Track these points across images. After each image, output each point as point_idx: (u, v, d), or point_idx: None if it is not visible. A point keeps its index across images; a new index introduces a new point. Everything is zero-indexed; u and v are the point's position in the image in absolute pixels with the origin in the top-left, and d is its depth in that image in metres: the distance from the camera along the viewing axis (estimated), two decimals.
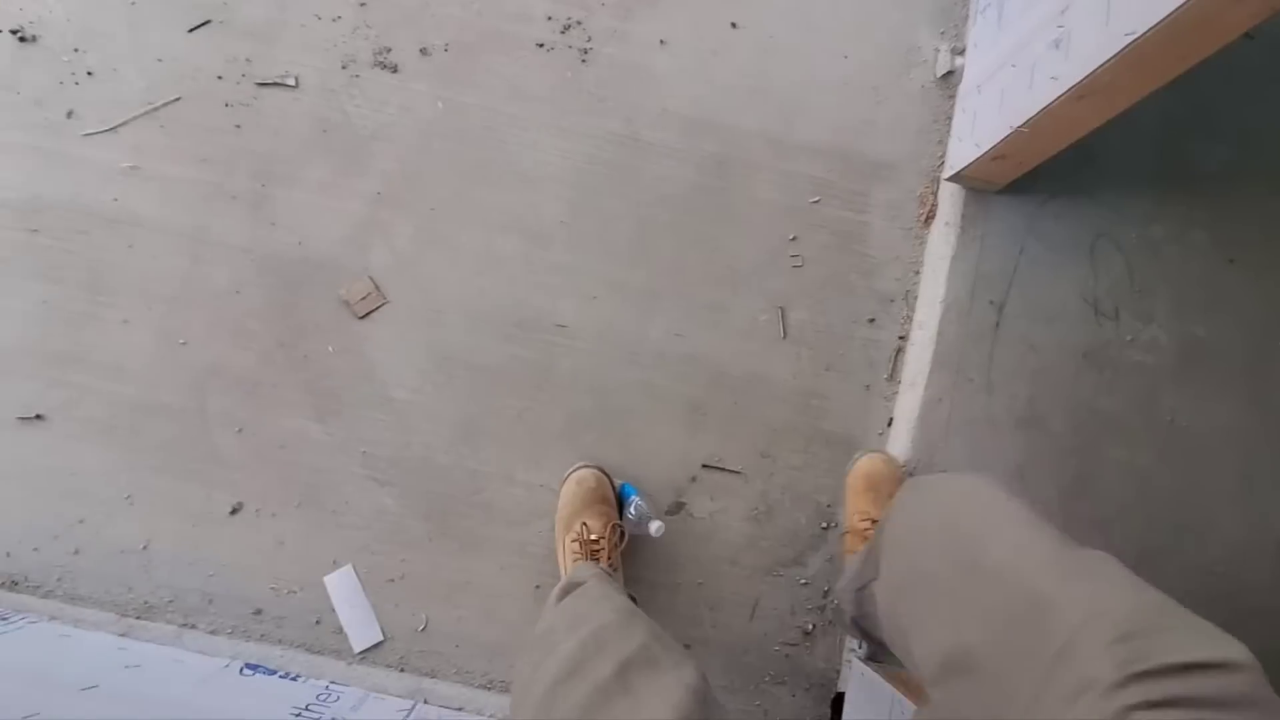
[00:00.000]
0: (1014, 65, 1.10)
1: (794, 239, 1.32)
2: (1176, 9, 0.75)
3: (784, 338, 1.30)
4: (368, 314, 1.27)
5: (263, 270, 1.26)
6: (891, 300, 1.32)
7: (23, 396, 1.24)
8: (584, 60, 1.33)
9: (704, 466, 1.27)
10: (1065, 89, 0.93)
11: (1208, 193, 1.30)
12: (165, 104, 1.27)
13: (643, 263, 1.30)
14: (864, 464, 1.21)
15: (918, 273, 1.33)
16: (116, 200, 1.25)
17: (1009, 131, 1.06)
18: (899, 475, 1.20)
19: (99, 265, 1.25)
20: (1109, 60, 0.85)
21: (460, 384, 1.27)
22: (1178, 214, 1.29)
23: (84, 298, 1.24)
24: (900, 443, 1.26)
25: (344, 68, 1.29)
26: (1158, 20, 0.77)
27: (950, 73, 1.35)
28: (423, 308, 1.27)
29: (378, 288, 1.27)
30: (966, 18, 1.37)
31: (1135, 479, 1.23)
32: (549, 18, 1.33)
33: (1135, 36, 0.81)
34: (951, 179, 1.26)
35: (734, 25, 1.36)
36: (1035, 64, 1.03)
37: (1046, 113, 0.99)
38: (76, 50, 1.27)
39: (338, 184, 1.28)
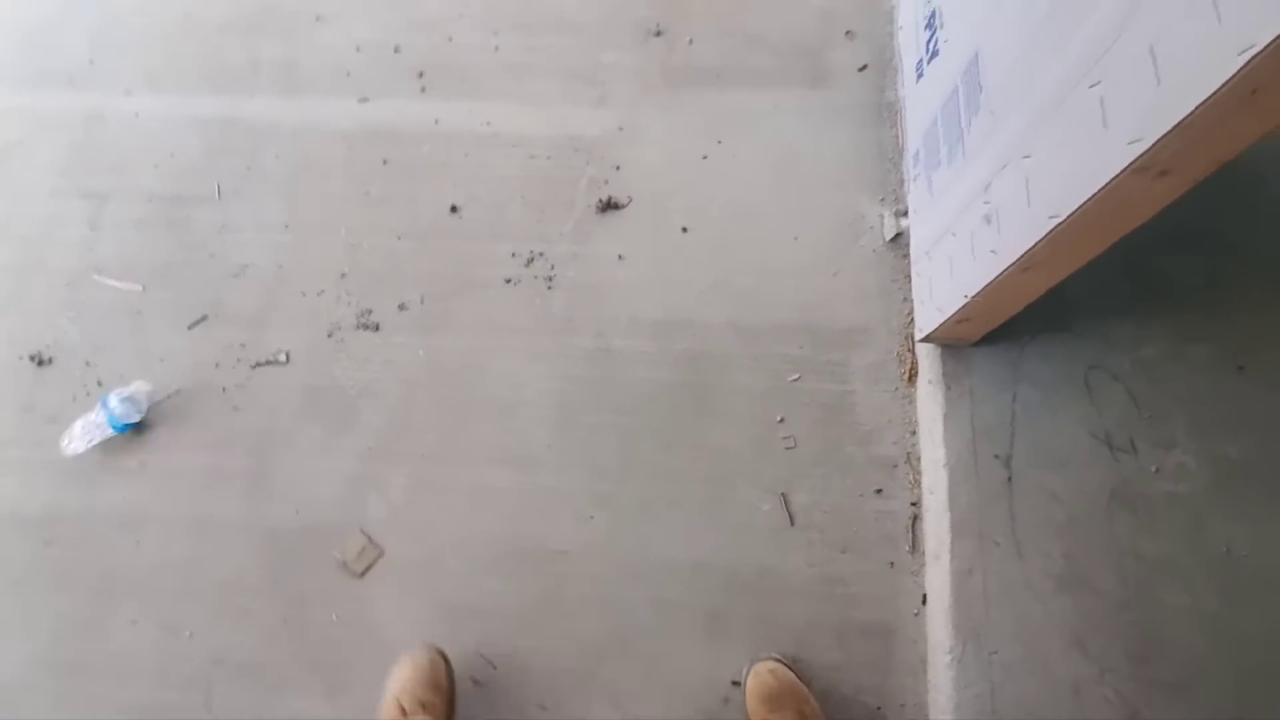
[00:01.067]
0: (954, 234, 1.13)
1: (781, 420, 1.30)
2: (1091, 197, 0.77)
3: (792, 525, 1.25)
4: (366, 570, 1.25)
5: (262, 546, 1.27)
6: (894, 465, 1.28)
7: (35, 713, 1.22)
8: (550, 287, 1.40)
9: (734, 684, 1.18)
10: (1006, 264, 0.95)
11: (1196, 305, 1.28)
12: (168, 396, 1.35)
13: (633, 473, 1.29)
14: (753, 683, 1.10)
15: (914, 433, 1.29)
16: (125, 499, 1.30)
17: (964, 300, 1.07)
18: (794, 684, 1.09)
19: (108, 568, 1.27)
20: (1039, 240, 0.87)
21: (467, 632, 1.22)
22: (1168, 331, 1.26)
23: (93, 603, 1.26)
24: (939, 624, 1.16)
25: (330, 335, 1.38)
26: (1077, 205, 0.79)
27: (898, 234, 1.40)
28: (420, 555, 1.26)
29: (371, 540, 1.26)
30: (902, 182, 1.44)
31: (1205, 627, 1.10)
32: (513, 254, 1.43)
33: (1059, 219, 0.82)
34: (925, 340, 1.26)
35: (684, 229, 1.44)
36: (973, 235, 1.05)
37: (995, 284, 1.00)
38: (88, 364, 1.38)
39: (330, 445, 1.32)
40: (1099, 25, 0.73)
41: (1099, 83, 0.73)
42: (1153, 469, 1.19)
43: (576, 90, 1.55)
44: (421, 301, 1.39)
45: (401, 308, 1.39)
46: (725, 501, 1.26)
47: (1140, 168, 0.68)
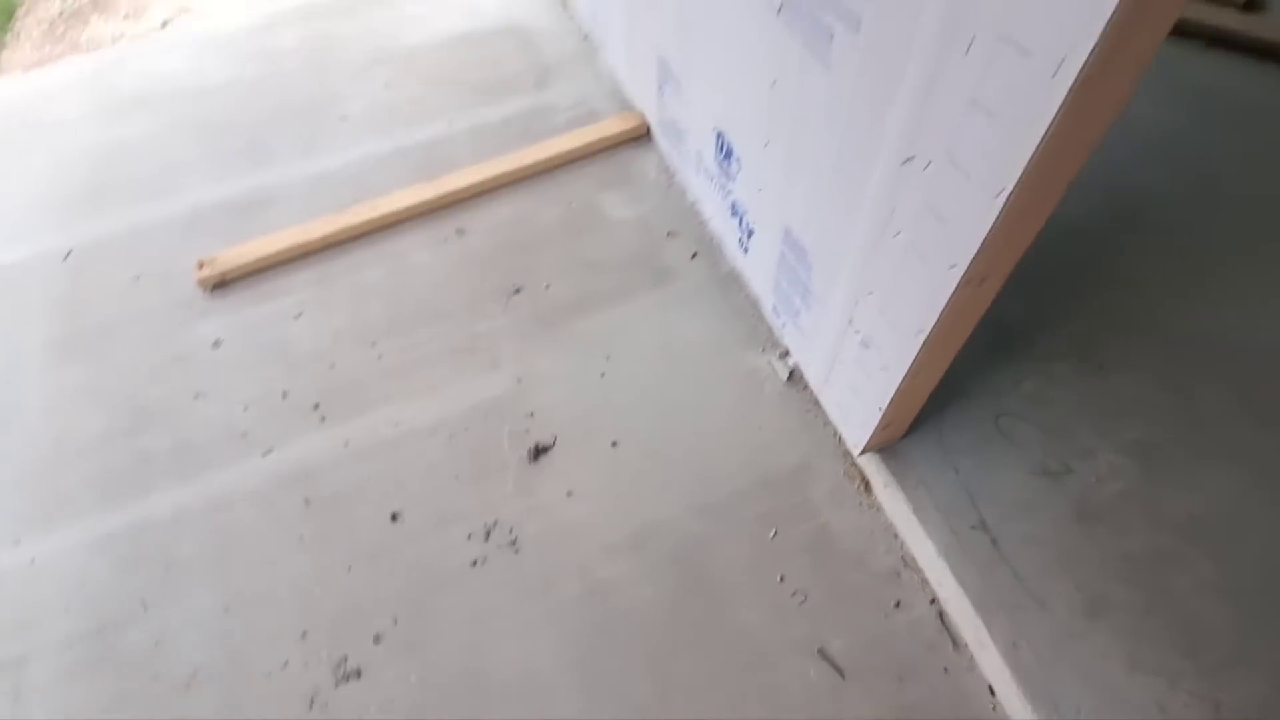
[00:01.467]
0: (842, 362, 1.30)
1: (782, 579, 1.33)
2: (940, 311, 0.94)
3: (844, 678, 1.23)
4: None
5: None
6: (897, 574, 1.33)
7: None
8: (516, 551, 1.39)
9: None
10: (899, 375, 1.10)
11: (1034, 332, 1.53)
12: None
13: (675, 695, 1.23)
14: None
15: (896, 536, 1.37)
16: None
17: (880, 413, 1.21)
18: None
19: None
20: (917, 351, 1.03)
21: None
22: (1031, 363, 1.48)
23: None
24: (1016, 708, 1.16)
25: (312, 706, 1.25)
26: (933, 321, 0.96)
27: (791, 372, 1.57)
28: None
29: None
30: (770, 330, 1.64)
31: (1221, 593, 1.20)
32: (469, 535, 1.41)
33: (924, 333, 0.99)
34: (863, 453, 1.38)
35: (614, 444, 1.52)
36: (859, 359, 1.22)
37: (898, 392, 1.14)
38: None
39: None
40: (877, 191, 0.96)
41: (900, 232, 0.94)
42: (1093, 479, 1.33)
43: (466, 364, 1.66)
44: (395, 623, 1.32)
45: (377, 640, 1.31)
46: (774, 684, 1.23)
47: (965, 281, 0.87)
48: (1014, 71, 0.66)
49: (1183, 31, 2.15)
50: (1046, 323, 1.56)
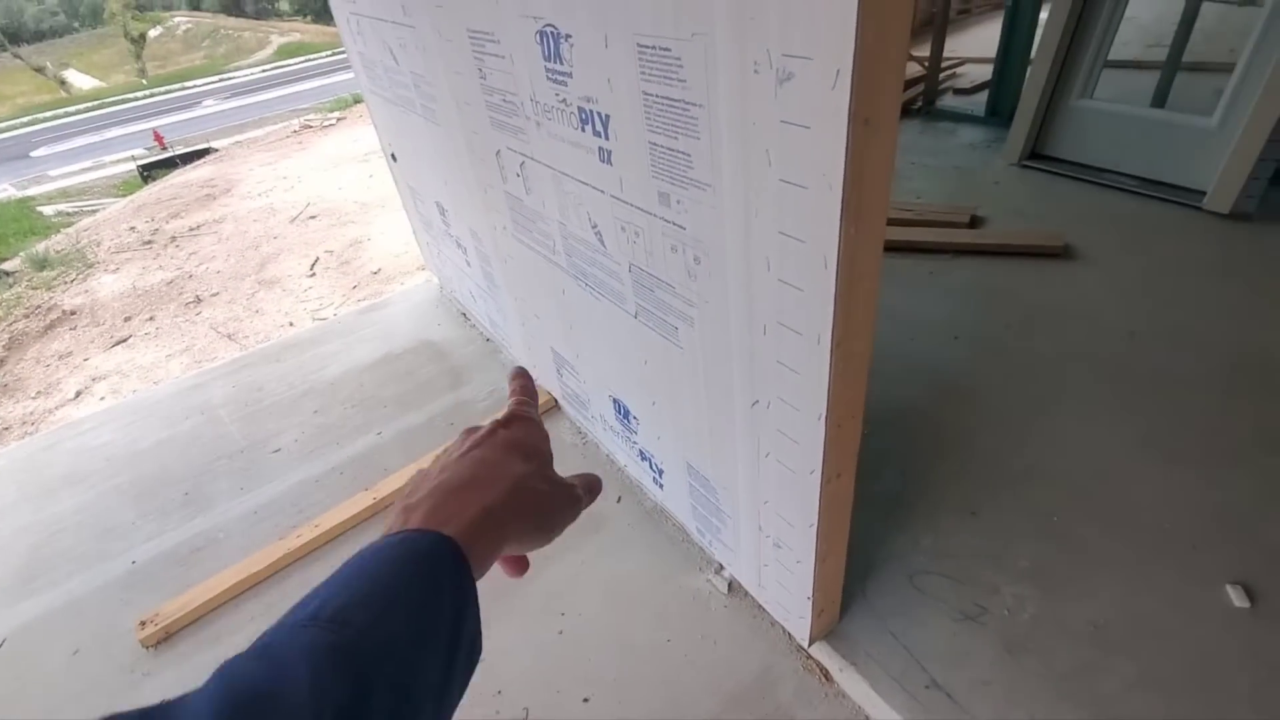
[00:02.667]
0: (766, 564, 1.49)
1: None
2: (818, 511, 1.18)
3: None
4: None
5: None
6: None
7: None
8: None
9: None
10: (811, 564, 1.30)
11: (913, 495, 1.81)
12: None
13: None
14: None
15: (867, 716, 1.45)
16: None
17: (809, 600, 1.38)
18: None
19: None
20: (815, 543, 1.25)
21: None
22: (917, 521, 1.74)
23: None
24: None
25: None
26: (816, 516, 1.20)
27: (730, 584, 1.73)
28: None
29: None
30: (702, 550, 1.82)
31: (1149, 688, 1.36)
32: None
33: (815, 526, 1.22)
34: (812, 644, 1.51)
35: (585, 700, 1.55)
36: (776, 559, 1.42)
37: (816, 580, 1.34)
38: None
39: None
40: (743, 427, 1.25)
41: (768, 453, 1.22)
42: (1005, 612, 1.53)
43: None
44: None
45: None
46: None
47: (825, 480, 1.13)
48: (795, 344, 1.00)
49: (930, 250, 2.88)
50: (920, 487, 1.86)
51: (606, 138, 1.19)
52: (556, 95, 1.28)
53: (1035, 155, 3.52)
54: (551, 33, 1.19)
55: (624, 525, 1.95)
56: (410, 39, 1.85)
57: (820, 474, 1.11)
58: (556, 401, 2.35)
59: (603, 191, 1.29)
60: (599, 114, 1.18)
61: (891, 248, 2.92)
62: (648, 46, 0.97)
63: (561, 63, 1.21)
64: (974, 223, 3.06)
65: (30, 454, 2.53)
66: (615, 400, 1.82)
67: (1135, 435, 1.94)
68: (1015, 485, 1.84)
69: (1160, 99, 3.13)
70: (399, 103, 2.24)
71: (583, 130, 1.25)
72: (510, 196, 1.75)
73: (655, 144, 1.07)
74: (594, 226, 1.40)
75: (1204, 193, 2.91)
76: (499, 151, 1.66)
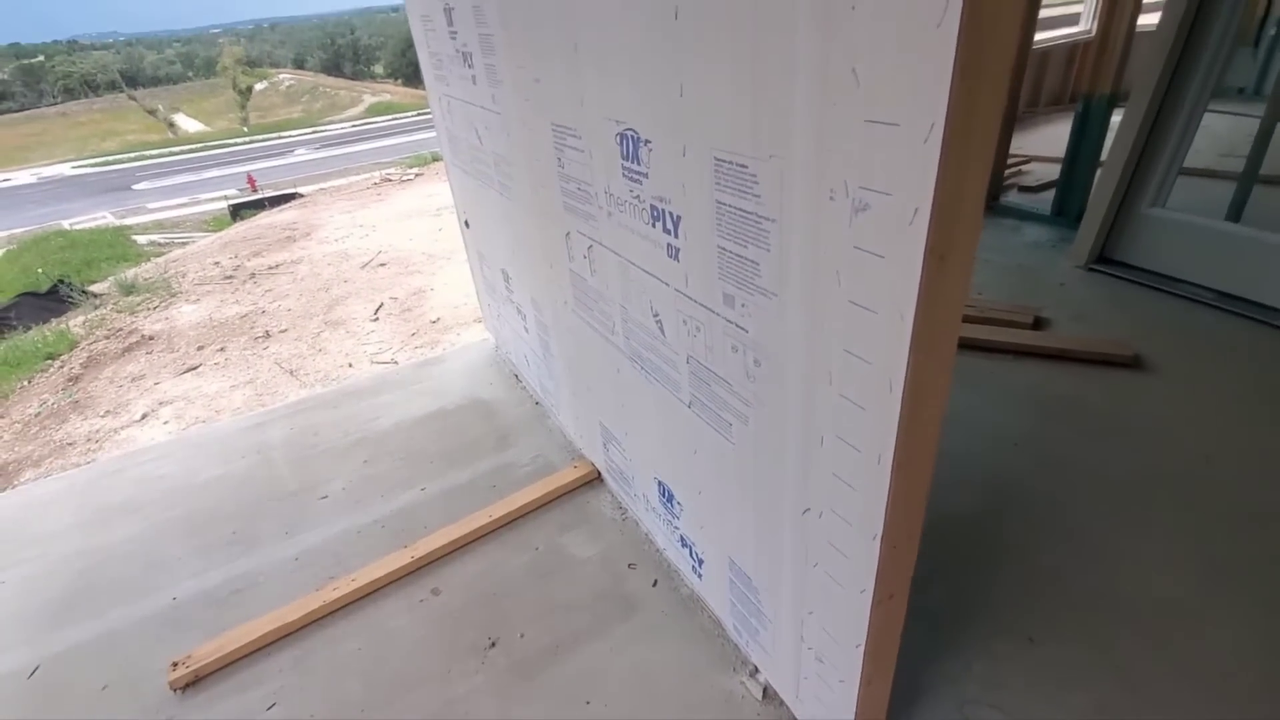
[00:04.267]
0: (805, 677, 1.42)
1: None
2: (867, 632, 1.13)
3: None
4: None
5: None
6: None
7: None
8: None
9: None
10: (855, 688, 1.24)
11: (968, 622, 1.71)
12: None
13: None
14: None
15: None
16: None
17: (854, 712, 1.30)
18: None
19: None
20: (861, 664, 1.19)
21: None
22: (976, 649, 1.63)
23: None
24: None
25: None
26: (864, 637, 1.14)
27: (765, 689, 1.64)
28: None
29: None
30: (738, 648, 1.75)
31: None
32: None
33: (861, 646, 1.16)
34: None
35: None
36: (819, 673, 1.35)
37: (860, 703, 1.26)
38: None
39: None
40: (791, 534, 1.22)
41: (817, 564, 1.18)
42: None
43: None
44: None
45: None
46: None
47: (876, 601, 1.08)
48: (854, 460, 0.98)
49: (992, 349, 2.82)
50: (974, 604, 1.76)
51: (676, 236, 1.23)
52: (630, 191, 1.33)
53: (1103, 259, 3.45)
54: (632, 136, 1.26)
55: (658, 612, 1.89)
56: (496, 124, 1.97)
57: (871, 594, 1.07)
58: (600, 474, 2.35)
59: (667, 284, 1.33)
60: (671, 213, 1.22)
61: None
62: (724, 161, 1.01)
63: (639, 163, 1.26)
64: (1038, 324, 2.99)
65: (92, 479, 2.65)
66: (660, 483, 1.80)
67: (1209, 568, 1.81)
68: (1077, 612, 1.72)
69: (1236, 212, 3.05)
70: (478, 176, 2.37)
71: (653, 226, 1.30)
72: (575, 275, 1.80)
73: (724, 249, 1.10)
74: (655, 315, 1.43)
75: None
76: (569, 233, 1.73)
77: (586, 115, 1.40)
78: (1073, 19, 7.42)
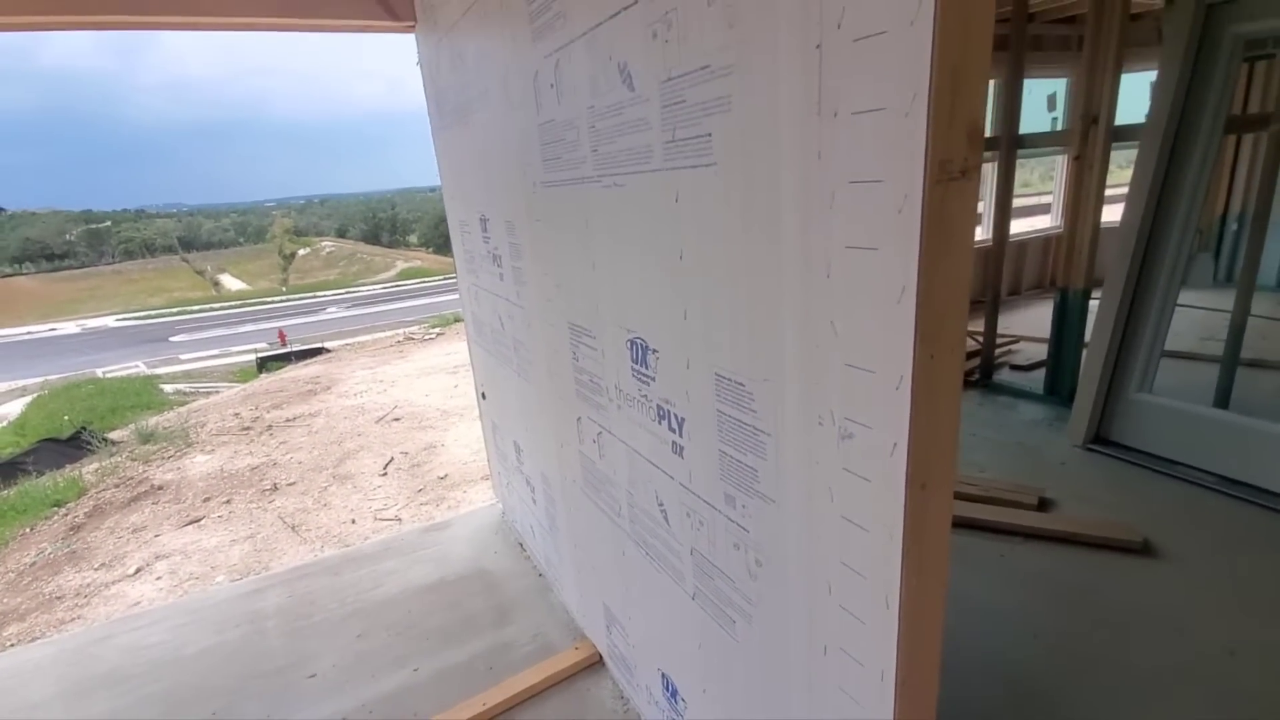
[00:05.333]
0: None
1: None
2: None
3: None
4: None
5: None
6: None
7: None
8: None
9: None
10: None
11: None
12: None
13: None
14: None
15: None
16: None
17: None
18: None
19: None
20: None
21: None
22: None
23: None
24: None
25: None
26: None
27: None
28: None
29: None
30: None
31: None
32: None
33: None
34: None
35: None
36: None
37: None
38: None
39: None
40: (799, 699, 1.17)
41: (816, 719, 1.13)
42: None
43: None
44: None
45: None
46: None
47: None
48: (858, 675, 0.99)
49: (999, 530, 2.80)
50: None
51: (681, 435, 1.33)
52: (639, 390, 1.46)
53: (1099, 439, 3.52)
54: (641, 344, 1.40)
55: None
56: (519, 316, 2.17)
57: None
58: (602, 658, 2.26)
59: (672, 478, 1.40)
60: (675, 415, 1.33)
61: (958, 524, 2.86)
62: (724, 378, 1.14)
63: (647, 368, 1.40)
64: (1043, 505, 2.99)
65: (80, 645, 2.57)
66: (664, 675, 1.74)
67: None
68: None
69: (1223, 399, 3.16)
70: (498, 356, 2.56)
71: (659, 423, 1.40)
72: (584, 457, 1.89)
73: (725, 453, 1.19)
74: (660, 505, 1.49)
75: None
76: (580, 419, 1.84)
77: (601, 320, 1.57)
78: (1044, 208, 8.17)
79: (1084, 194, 3.73)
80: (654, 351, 1.36)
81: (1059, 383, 4.08)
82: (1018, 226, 7.17)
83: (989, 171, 5.81)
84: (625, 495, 1.67)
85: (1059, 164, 7.04)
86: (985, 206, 6.38)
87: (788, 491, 1.04)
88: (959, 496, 3.03)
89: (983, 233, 6.93)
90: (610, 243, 1.46)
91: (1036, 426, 3.87)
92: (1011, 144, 4.27)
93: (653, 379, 1.39)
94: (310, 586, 2.84)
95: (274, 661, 2.41)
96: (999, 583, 2.53)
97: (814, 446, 0.96)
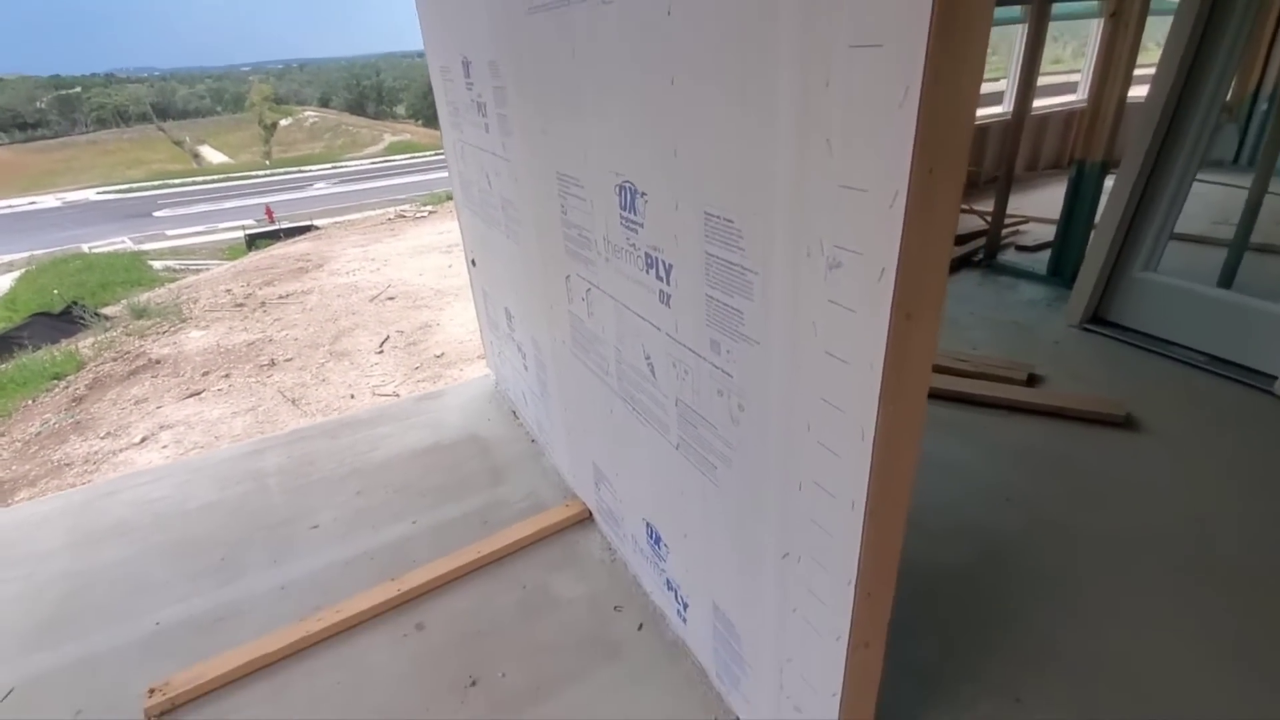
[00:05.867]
0: None
1: None
2: (844, 680, 1.13)
3: None
4: None
5: None
6: None
7: None
8: None
9: None
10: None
11: (954, 681, 1.69)
12: None
13: None
14: None
15: None
16: None
17: None
18: None
19: None
20: (839, 714, 1.19)
21: None
22: (960, 711, 1.62)
23: None
24: None
25: None
26: (840, 683, 1.14)
27: None
28: None
29: None
30: (720, 696, 1.73)
31: None
32: None
33: (838, 695, 1.16)
34: None
35: None
36: (798, 711, 1.34)
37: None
38: None
39: None
40: (772, 577, 1.23)
41: (796, 609, 1.19)
42: None
43: None
44: None
45: None
46: None
47: (852, 648, 1.09)
48: (830, 506, 1.00)
49: (986, 404, 2.84)
50: (962, 660, 1.74)
51: (668, 283, 1.28)
52: (627, 239, 1.40)
53: (1097, 319, 3.50)
54: (630, 188, 1.32)
55: (641, 657, 1.88)
56: (505, 170, 2.06)
57: (847, 641, 1.08)
58: (592, 514, 2.35)
59: (659, 329, 1.37)
60: (664, 262, 1.28)
61: (946, 397, 2.90)
62: (714, 215, 1.07)
63: (635, 214, 1.33)
64: (1032, 381, 3.02)
65: (87, 500, 2.67)
66: (649, 524, 1.82)
67: (1201, 632, 1.79)
68: (1066, 673, 1.70)
69: (1227, 279, 3.11)
70: (486, 218, 2.46)
71: (647, 273, 1.35)
72: (573, 316, 1.86)
73: (712, 297, 1.15)
74: (647, 358, 1.47)
75: (1276, 377, 2.81)
76: (568, 276, 1.79)
77: (589, 167, 1.48)
78: (1071, 87, 7.69)
79: (1115, 58, 3.47)
80: (643, 195, 1.28)
81: (1063, 263, 4.01)
82: (1043, 104, 6.78)
83: (1017, 36, 5.39)
84: (613, 352, 1.66)
85: (1092, 36, 6.53)
86: (1010, 77, 5.99)
87: (772, 332, 1.02)
88: (950, 372, 3.05)
89: (1004, 106, 6.54)
90: (598, 75, 1.34)
91: (1035, 306, 3.84)
92: None
93: (641, 225, 1.32)
94: (308, 449, 2.92)
95: (277, 515, 2.51)
96: (982, 453, 2.60)
97: (801, 280, 0.91)
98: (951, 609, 1.91)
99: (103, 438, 5.60)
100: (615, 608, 2.04)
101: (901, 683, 1.66)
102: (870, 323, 0.81)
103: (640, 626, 1.97)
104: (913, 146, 0.69)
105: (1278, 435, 2.59)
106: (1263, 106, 6.13)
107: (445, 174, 2.94)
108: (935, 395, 2.91)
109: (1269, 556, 2.03)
